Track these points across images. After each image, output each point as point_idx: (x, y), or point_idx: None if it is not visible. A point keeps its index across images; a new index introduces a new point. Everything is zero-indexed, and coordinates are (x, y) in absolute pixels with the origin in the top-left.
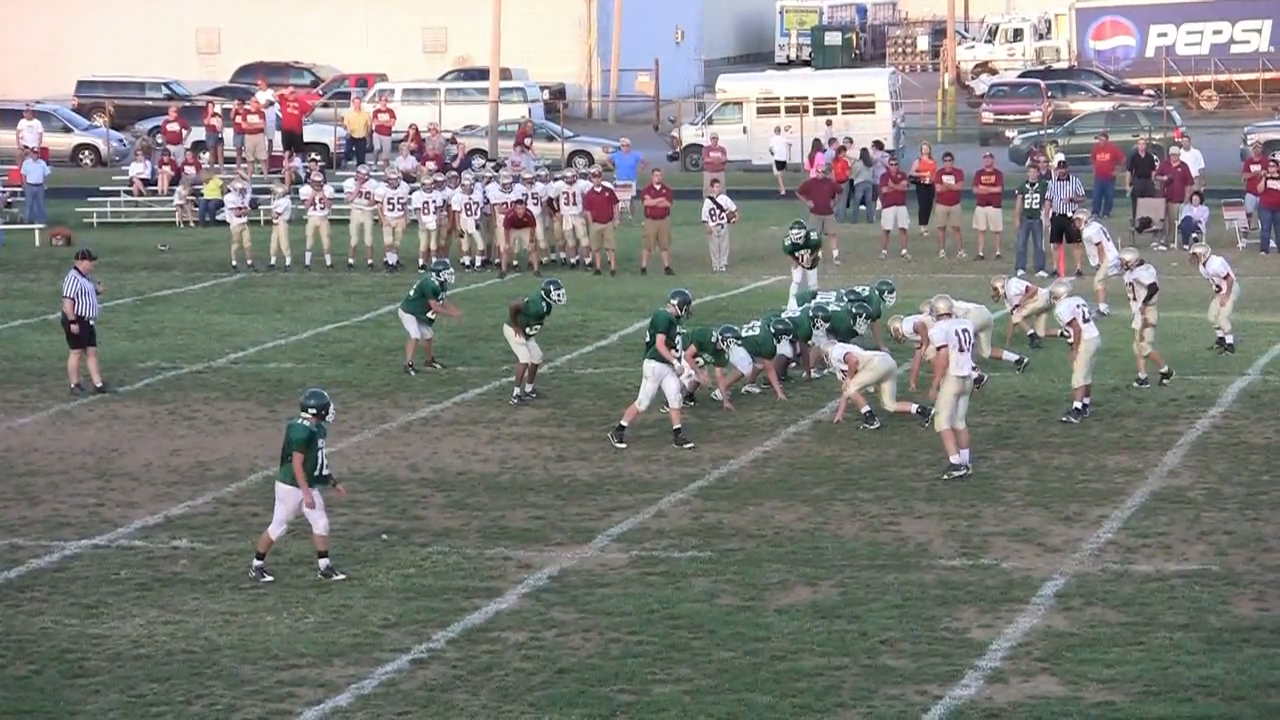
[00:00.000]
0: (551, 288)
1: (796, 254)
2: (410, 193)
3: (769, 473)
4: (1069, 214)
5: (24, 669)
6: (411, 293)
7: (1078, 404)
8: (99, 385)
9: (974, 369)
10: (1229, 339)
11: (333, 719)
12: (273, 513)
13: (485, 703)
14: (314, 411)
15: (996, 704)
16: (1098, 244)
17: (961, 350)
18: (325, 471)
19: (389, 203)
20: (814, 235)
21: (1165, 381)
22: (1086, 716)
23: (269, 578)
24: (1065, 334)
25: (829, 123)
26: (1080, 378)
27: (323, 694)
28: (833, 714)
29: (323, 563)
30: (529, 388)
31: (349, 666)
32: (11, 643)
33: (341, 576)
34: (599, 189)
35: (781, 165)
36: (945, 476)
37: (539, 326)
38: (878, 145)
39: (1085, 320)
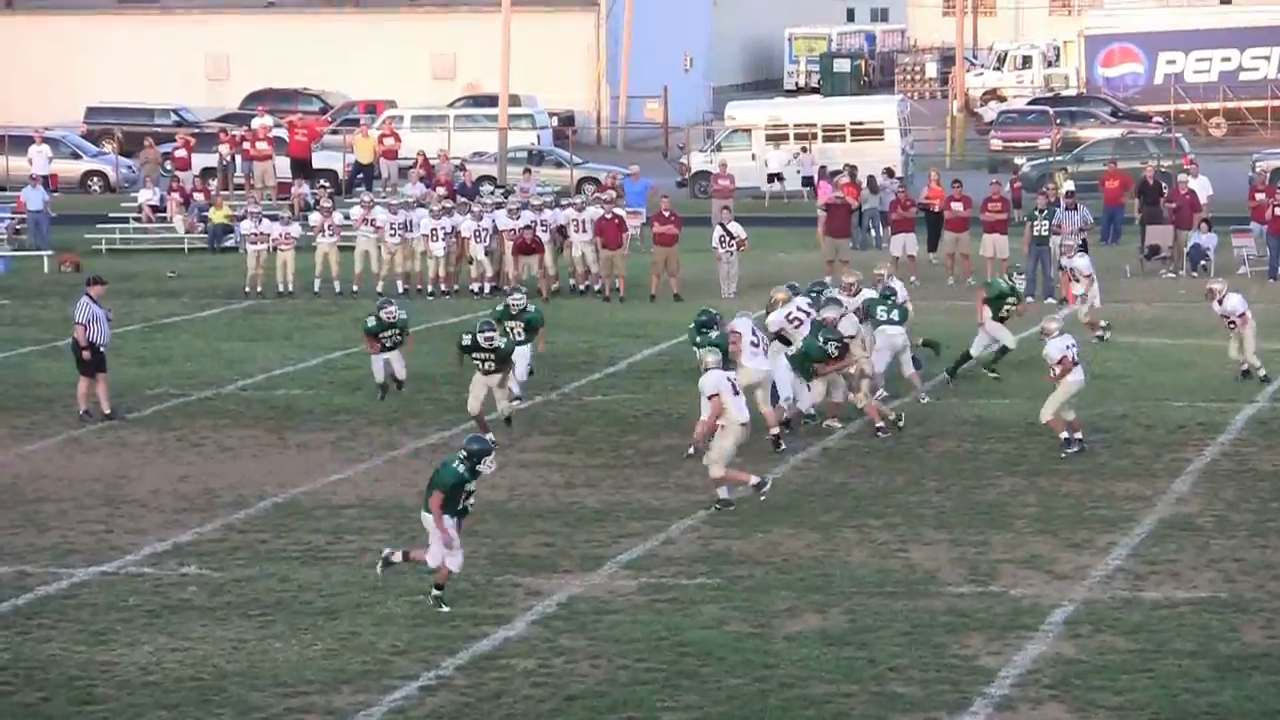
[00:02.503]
0: (484, 326)
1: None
2: (405, 220)
3: (778, 499)
4: (1078, 243)
5: (32, 696)
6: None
7: (1064, 435)
8: (107, 412)
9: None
10: (1262, 372)
11: None
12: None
13: None
14: (466, 454)
15: None
16: (1088, 275)
17: (736, 394)
18: (467, 505)
19: (390, 228)
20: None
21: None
22: None
23: (446, 608)
24: (1052, 371)
25: (805, 149)
26: (1049, 412)
27: None
28: None
29: (435, 592)
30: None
31: (358, 694)
32: (20, 670)
33: (446, 609)
34: (609, 215)
35: (777, 179)
36: (716, 507)
37: (489, 363)
38: (888, 173)
39: (1075, 362)
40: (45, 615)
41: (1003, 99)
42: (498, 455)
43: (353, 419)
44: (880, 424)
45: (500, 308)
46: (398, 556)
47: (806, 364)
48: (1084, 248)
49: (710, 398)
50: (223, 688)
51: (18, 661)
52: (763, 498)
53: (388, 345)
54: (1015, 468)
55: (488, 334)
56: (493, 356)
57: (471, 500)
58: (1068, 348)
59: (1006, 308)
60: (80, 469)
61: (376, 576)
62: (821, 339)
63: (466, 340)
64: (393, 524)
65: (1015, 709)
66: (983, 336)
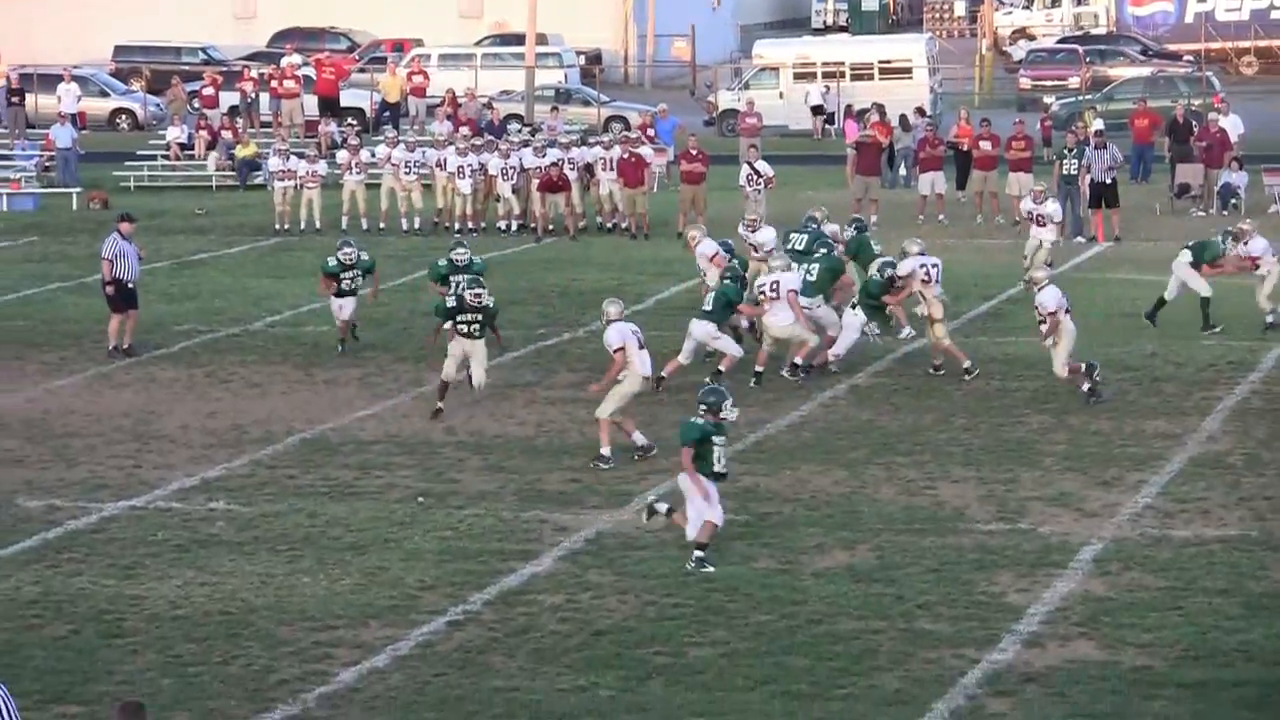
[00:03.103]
0: (472, 283)
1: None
2: (423, 157)
3: (805, 437)
4: (1107, 181)
5: (62, 629)
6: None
7: (1085, 386)
8: (125, 347)
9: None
10: (1270, 319)
11: (369, 680)
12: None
13: (522, 664)
14: (706, 408)
15: (1034, 668)
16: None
17: (641, 348)
18: (720, 469)
19: (405, 165)
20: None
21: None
22: (1124, 680)
23: (710, 568)
24: (1040, 320)
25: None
26: (1062, 366)
27: (359, 655)
28: (869, 677)
29: (697, 554)
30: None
31: (385, 628)
32: (50, 603)
33: (710, 569)
34: (628, 155)
35: (819, 110)
36: (592, 464)
37: (474, 324)
38: (919, 112)
39: (1067, 311)
40: (74, 549)
41: (1032, 37)
42: (526, 391)
43: (379, 355)
44: (936, 363)
45: (443, 262)
46: (662, 507)
47: (870, 301)
48: (1114, 184)
49: (615, 351)
50: (251, 622)
51: (47, 595)
52: (605, 467)
53: (345, 289)
54: (1044, 405)
55: (476, 290)
56: (480, 317)
57: (723, 461)
58: (1063, 296)
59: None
60: (109, 405)
61: (641, 524)
62: (879, 272)
63: (452, 302)
64: (420, 459)
65: (1044, 646)
66: (1176, 282)
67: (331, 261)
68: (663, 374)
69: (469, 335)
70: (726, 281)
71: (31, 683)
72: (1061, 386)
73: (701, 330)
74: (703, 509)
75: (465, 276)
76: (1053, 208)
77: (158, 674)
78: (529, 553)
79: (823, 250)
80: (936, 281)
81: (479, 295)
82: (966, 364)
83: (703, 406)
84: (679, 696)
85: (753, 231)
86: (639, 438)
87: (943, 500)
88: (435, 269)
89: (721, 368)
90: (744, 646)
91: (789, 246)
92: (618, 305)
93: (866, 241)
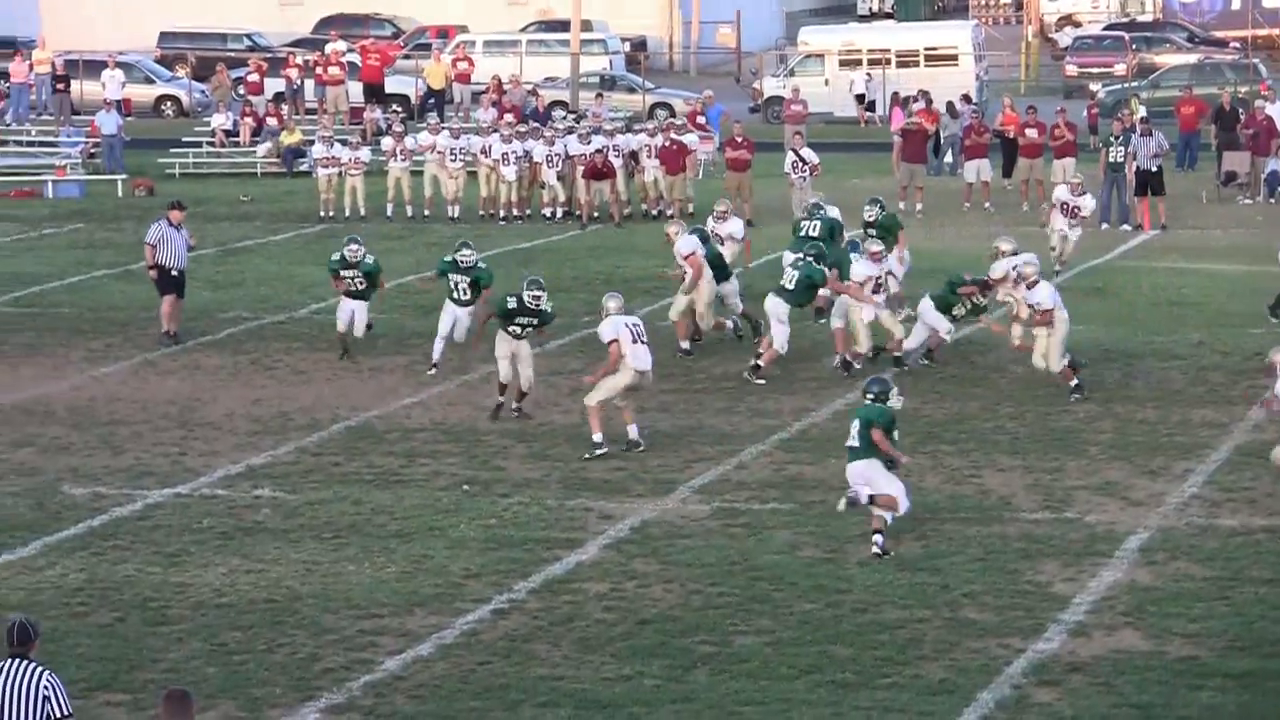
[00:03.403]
0: (532, 285)
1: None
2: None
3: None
4: (1153, 169)
5: (108, 616)
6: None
7: (1074, 381)
8: (171, 332)
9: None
10: None
11: (414, 668)
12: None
13: (566, 653)
14: (873, 398)
15: (1080, 657)
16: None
17: (635, 342)
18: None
19: (450, 153)
20: (888, 217)
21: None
22: (1170, 671)
23: (889, 554)
24: (1034, 315)
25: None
26: (1058, 361)
27: (404, 643)
28: (914, 666)
29: (878, 539)
30: (512, 404)
31: (430, 616)
32: (95, 590)
33: (889, 554)
34: (669, 142)
35: (862, 99)
36: (586, 455)
37: (528, 328)
38: (965, 99)
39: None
40: (120, 537)
41: (1078, 24)
42: (571, 379)
43: (425, 342)
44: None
45: (448, 260)
46: (864, 498)
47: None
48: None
49: (609, 343)
50: (296, 609)
51: (93, 582)
52: (588, 456)
53: (353, 290)
54: (1090, 393)
55: (535, 293)
56: (535, 320)
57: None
58: (1057, 290)
59: None
60: (155, 392)
61: (839, 511)
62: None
63: (512, 303)
64: (465, 447)
65: (1089, 635)
66: None
67: (335, 258)
68: (759, 363)
69: (519, 337)
70: (811, 262)
71: (77, 670)
72: (1108, 375)
73: (776, 306)
74: (905, 497)
75: (464, 277)
76: (1088, 202)
77: (203, 662)
78: (574, 541)
79: (811, 256)
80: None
81: (538, 299)
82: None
83: (869, 396)
84: (724, 685)
85: (721, 222)
86: (632, 430)
87: (988, 489)
88: (441, 264)
89: (761, 360)
90: (789, 635)
91: (802, 233)
92: (617, 300)
93: (848, 258)
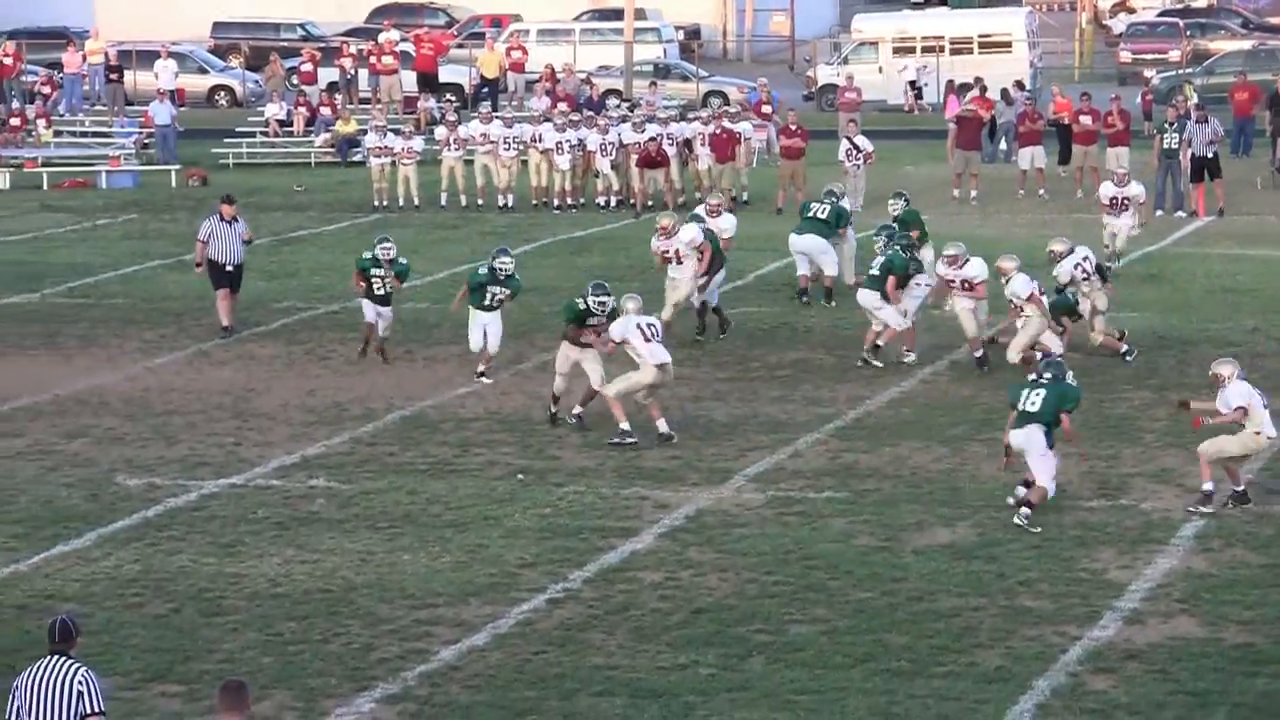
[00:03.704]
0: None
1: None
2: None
3: (905, 413)
4: (1209, 155)
5: (162, 607)
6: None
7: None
8: (228, 326)
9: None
10: None
11: (469, 658)
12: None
13: (621, 642)
14: (1051, 377)
15: (1135, 645)
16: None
17: (648, 341)
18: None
19: (503, 142)
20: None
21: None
22: (1226, 658)
23: (1038, 530)
24: (1018, 306)
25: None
26: (1017, 352)
27: (459, 633)
28: (970, 654)
29: (1024, 511)
30: (574, 410)
31: (485, 606)
32: (150, 581)
33: (1037, 530)
34: (719, 130)
35: (914, 85)
36: (613, 440)
37: (498, 296)
38: (1019, 85)
39: (1043, 294)
40: (175, 527)
41: (1132, 11)
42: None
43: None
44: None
45: (485, 271)
46: (1021, 492)
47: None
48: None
49: (619, 343)
50: (351, 599)
51: (148, 573)
52: (614, 440)
53: (378, 292)
54: (1145, 381)
55: (601, 297)
56: (506, 290)
57: None
58: (1035, 281)
59: None
60: (209, 382)
61: (1022, 521)
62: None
63: (582, 305)
64: (520, 437)
65: (1145, 622)
66: None
67: (366, 256)
68: (879, 343)
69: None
70: (896, 249)
71: (132, 661)
72: (1162, 362)
73: (866, 299)
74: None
75: (501, 289)
76: (1136, 190)
77: (258, 652)
78: (629, 530)
79: (900, 245)
80: (1093, 274)
81: (604, 304)
82: (1124, 348)
83: (1047, 375)
84: (779, 674)
85: (714, 216)
86: (661, 424)
87: None
88: (475, 276)
89: (880, 342)
90: (844, 624)
91: (810, 214)
92: (636, 302)
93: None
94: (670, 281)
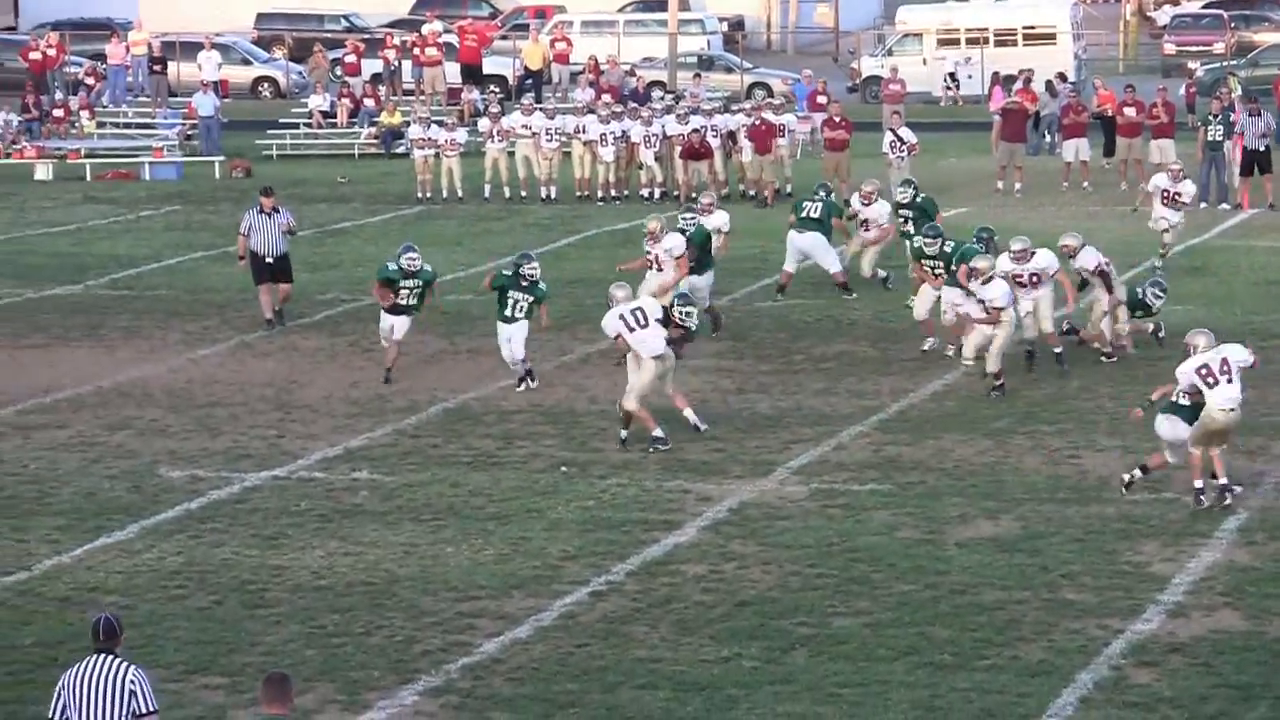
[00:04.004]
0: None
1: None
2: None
3: (949, 406)
4: (1261, 149)
5: (205, 600)
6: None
7: (999, 381)
8: (272, 319)
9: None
10: None
11: (512, 650)
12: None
13: (664, 635)
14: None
15: (1179, 638)
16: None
17: (635, 330)
18: None
19: (545, 133)
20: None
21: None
22: (1270, 651)
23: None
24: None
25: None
26: (996, 362)
27: (502, 626)
28: (1013, 647)
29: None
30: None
31: (528, 598)
32: (193, 573)
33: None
34: (759, 122)
35: (953, 77)
36: (649, 449)
37: (522, 303)
38: (1061, 77)
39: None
40: (218, 519)
41: (1176, 3)
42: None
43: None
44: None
45: (509, 273)
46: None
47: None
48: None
49: (615, 339)
50: (394, 592)
51: (191, 565)
52: (663, 448)
53: (402, 304)
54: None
55: (687, 309)
56: (530, 297)
57: None
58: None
59: None
60: (252, 374)
61: (1124, 495)
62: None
63: (508, 274)
64: (563, 429)
65: (1188, 615)
66: None
67: (391, 266)
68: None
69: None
70: (968, 244)
71: (175, 653)
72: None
73: (949, 294)
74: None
75: (526, 296)
76: (1188, 188)
77: (301, 644)
78: (672, 523)
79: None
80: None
81: (687, 315)
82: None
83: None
84: (822, 667)
85: (706, 215)
86: (689, 415)
87: (1087, 470)
88: (499, 276)
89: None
90: (887, 617)
91: (804, 214)
92: (624, 290)
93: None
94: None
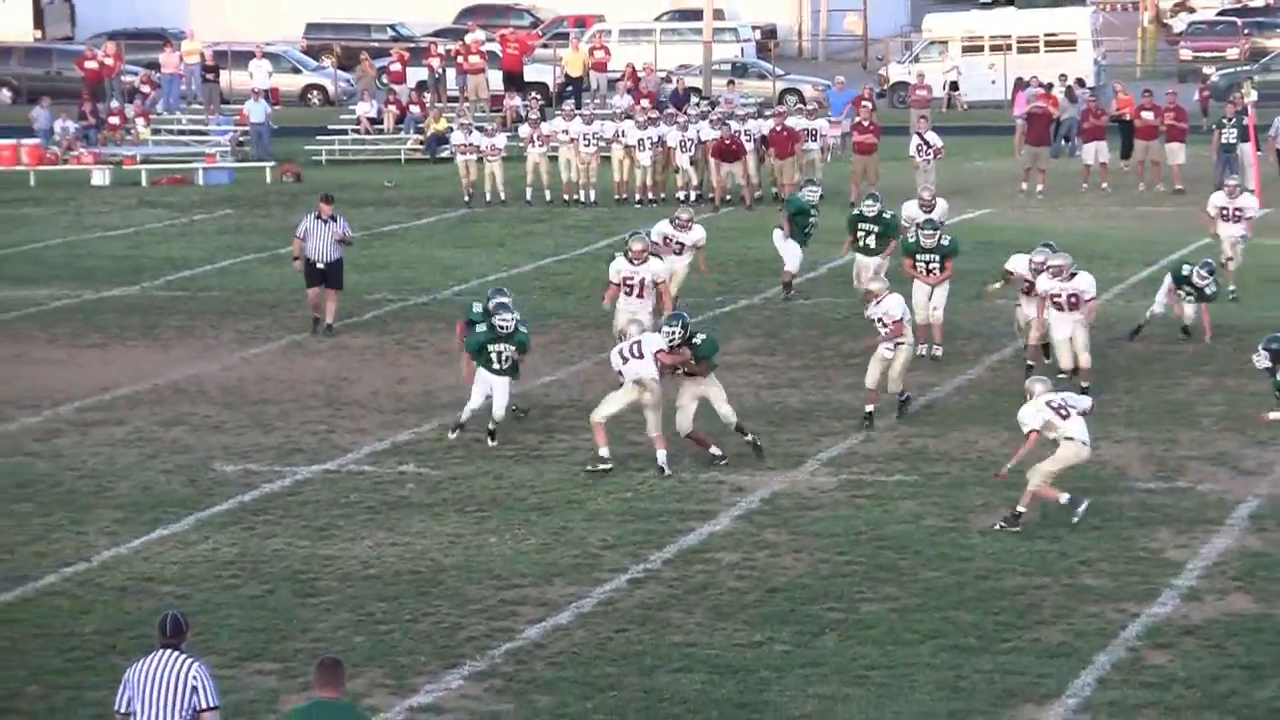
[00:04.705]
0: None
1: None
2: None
3: (973, 400)
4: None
5: (258, 589)
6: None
7: (904, 398)
8: (327, 325)
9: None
10: None
11: (554, 636)
12: None
13: (700, 621)
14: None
15: (1192, 621)
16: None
17: (627, 361)
18: None
19: (583, 138)
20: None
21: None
22: None
23: None
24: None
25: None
26: (899, 381)
27: (544, 612)
28: (1033, 630)
29: None
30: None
31: (569, 586)
32: (246, 563)
33: None
34: (780, 127)
35: (955, 86)
36: (589, 467)
37: (505, 355)
38: (1080, 83)
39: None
40: (270, 511)
41: (1192, 10)
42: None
43: (564, 323)
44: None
45: (483, 329)
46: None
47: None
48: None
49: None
50: (440, 580)
51: (244, 555)
52: (604, 468)
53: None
54: (1202, 367)
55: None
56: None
57: None
58: (903, 308)
59: None
60: (302, 372)
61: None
62: None
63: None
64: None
65: (1201, 599)
66: None
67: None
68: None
69: (689, 374)
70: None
71: (229, 640)
72: (1219, 350)
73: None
74: None
75: (505, 346)
76: (1248, 201)
77: (350, 631)
78: (707, 513)
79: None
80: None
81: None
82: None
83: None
84: (851, 650)
85: (684, 230)
86: (660, 456)
87: (1104, 459)
88: (472, 338)
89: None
90: (913, 602)
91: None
92: (637, 326)
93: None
94: (619, 315)
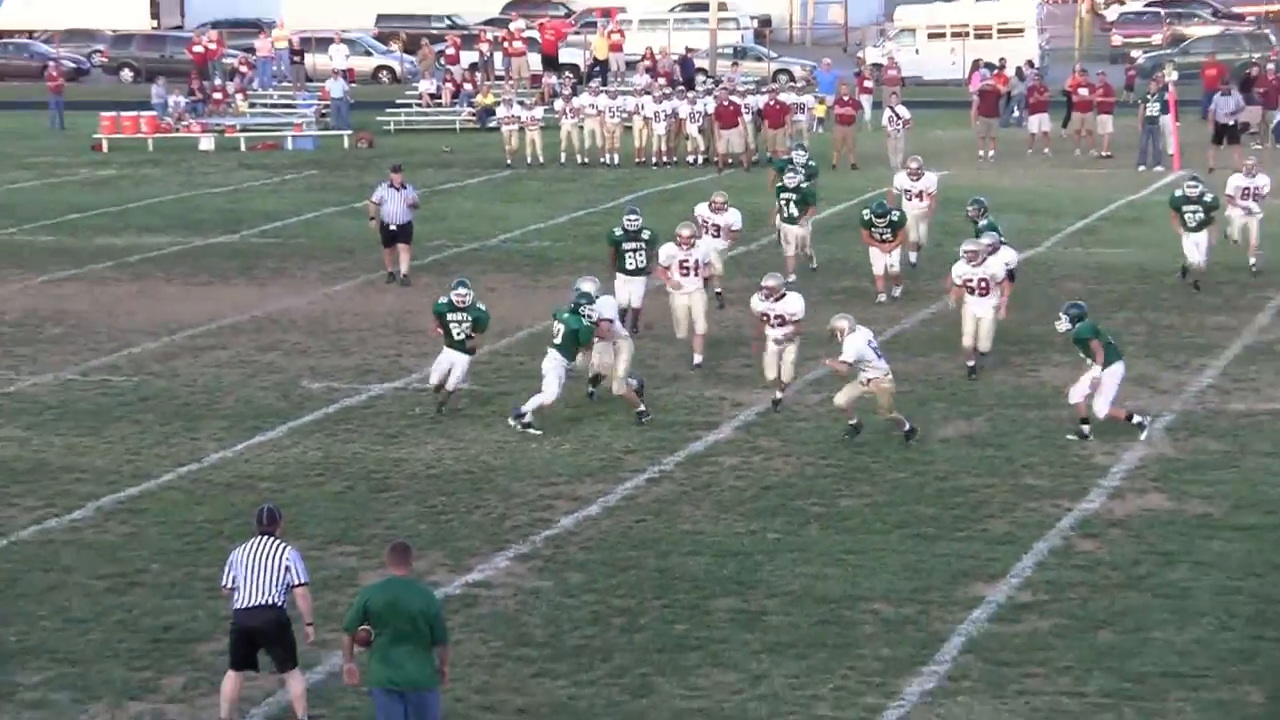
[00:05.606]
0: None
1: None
2: (624, 103)
3: (935, 330)
4: (1231, 123)
5: (339, 485)
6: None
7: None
8: (401, 276)
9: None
10: (1252, 262)
11: (584, 525)
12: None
13: (705, 513)
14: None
15: (1116, 515)
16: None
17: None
18: None
19: (609, 111)
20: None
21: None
22: (1189, 525)
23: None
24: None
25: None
26: (845, 399)
27: (576, 505)
28: (983, 523)
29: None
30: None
31: (597, 484)
32: (329, 465)
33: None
34: (773, 102)
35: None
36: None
37: (463, 326)
38: (1029, 64)
39: (879, 354)
40: (349, 422)
41: (1122, 1)
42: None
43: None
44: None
45: (444, 300)
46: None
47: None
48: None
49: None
50: (490, 478)
51: (328, 458)
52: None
53: (456, 337)
54: (1127, 304)
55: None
56: (643, 245)
57: None
58: (869, 343)
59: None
60: (375, 306)
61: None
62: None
63: (618, 231)
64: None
65: (1124, 497)
66: None
67: (442, 300)
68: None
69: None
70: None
71: (316, 528)
72: (1141, 290)
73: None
74: None
75: (464, 316)
76: (1262, 179)
77: (416, 520)
78: (711, 424)
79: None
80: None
81: (637, 219)
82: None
83: (1065, 317)
84: (831, 538)
85: (718, 213)
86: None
87: (1044, 381)
88: (436, 306)
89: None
90: (883, 499)
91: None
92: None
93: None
94: (678, 299)
